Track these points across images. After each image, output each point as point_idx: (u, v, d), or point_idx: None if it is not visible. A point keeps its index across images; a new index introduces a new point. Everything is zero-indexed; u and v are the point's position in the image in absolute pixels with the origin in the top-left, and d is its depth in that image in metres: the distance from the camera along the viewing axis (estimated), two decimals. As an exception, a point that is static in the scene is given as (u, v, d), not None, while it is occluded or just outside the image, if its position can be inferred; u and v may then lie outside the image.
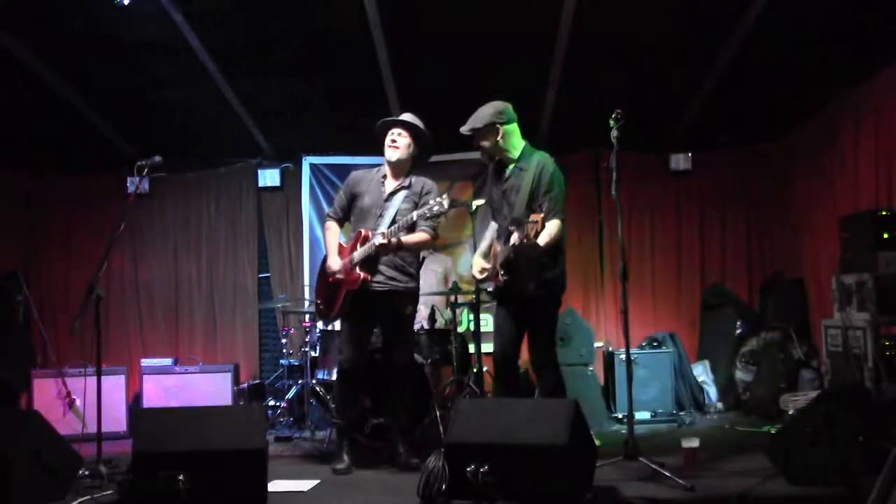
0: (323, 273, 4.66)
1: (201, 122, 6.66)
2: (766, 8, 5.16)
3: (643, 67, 5.99)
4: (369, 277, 4.42)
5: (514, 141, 4.44)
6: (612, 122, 4.07)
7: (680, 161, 7.13)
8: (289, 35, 5.69)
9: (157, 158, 4.62)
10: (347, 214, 4.70)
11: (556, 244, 4.20)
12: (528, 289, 4.20)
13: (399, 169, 4.62)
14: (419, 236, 4.46)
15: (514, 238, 3.98)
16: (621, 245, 4.20)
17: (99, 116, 6.53)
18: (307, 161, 7.29)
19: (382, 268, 4.48)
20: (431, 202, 4.30)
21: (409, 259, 4.59)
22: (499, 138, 4.39)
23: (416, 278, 4.66)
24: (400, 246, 4.38)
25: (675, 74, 6.12)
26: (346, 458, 4.45)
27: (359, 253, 4.42)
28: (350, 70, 6.07)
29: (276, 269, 7.22)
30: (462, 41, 5.76)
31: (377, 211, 4.53)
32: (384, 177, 4.64)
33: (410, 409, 4.90)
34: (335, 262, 4.52)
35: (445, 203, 4.28)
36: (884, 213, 5.18)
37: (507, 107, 4.42)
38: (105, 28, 5.39)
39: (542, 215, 3.88)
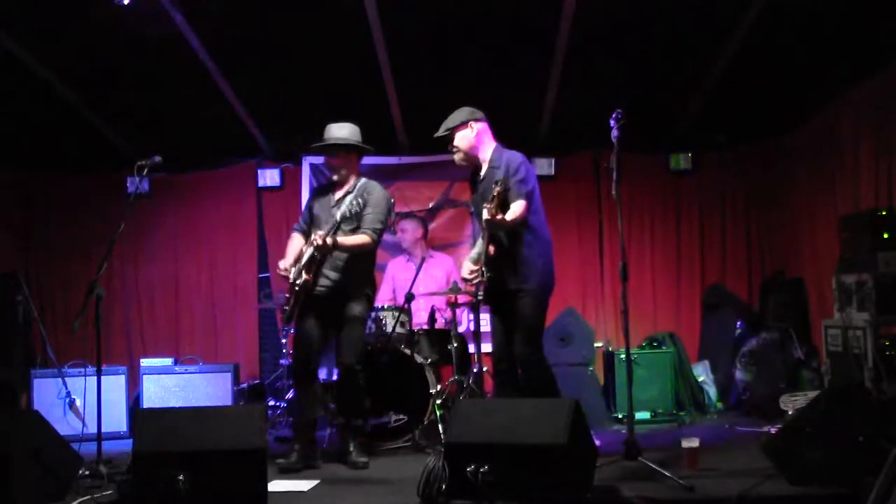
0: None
1: (201, 121, 6.65)
2: (766, 8, 5.16)
3: (643, 67, 5.99)
4: (310, 279, 4.55)
5: (487, 141, 4.54)
6: (612, 122, 4.08)
7: (680, 161, 7.13)
8: (289, 35, 5.69)
9: (157, 158, 4.62)
10: (310, 226, 4.85)
11: (532, 235, 4.29)
12: (508, 285, 4.30)
13: (344, 180, 4.79)
14: (357, 238, 4.60)
15: (485, 213, 4.08)
16: (621, 245, 4.20)
17: (99, 116, 6.53)
18: (307, 161, 7.28)
19: (325, 271, 4.62)
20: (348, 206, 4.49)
21: (353, 260, 4.68)
22: (473, 136, 4.49)
23: (363, 279, 4.76)
24: (336, 246, 4.49)
25: (675, 74, 6.12)
26: (294, 455, 4.53)
27: (305, 256, 4.57)
28: (350, 70, 6.07)
29: (276, 268, 7.20)
30: (462, 41, 5.77)
31: (327, 217, 4.69)
32: (334, 186, 4.83)
33: (408, 408, 4.95)
34: (283, 263, 4.71)
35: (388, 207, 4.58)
36: (884, 213, 5.18)
37: (475, 109, 4.56)
38: (105, 28, 5.39)
39: (498, 188, 4.02)
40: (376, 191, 4.77)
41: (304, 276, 4.53)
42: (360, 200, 4.60)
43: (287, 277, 4.65)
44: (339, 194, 4.77)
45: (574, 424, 3.46)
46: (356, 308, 4.70)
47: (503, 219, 4.13)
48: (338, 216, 4.57)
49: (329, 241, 4.45)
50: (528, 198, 4.29)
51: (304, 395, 4.73)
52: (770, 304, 6.66)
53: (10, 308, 5.86)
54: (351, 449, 4.63)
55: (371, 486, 4.11)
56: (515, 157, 4.44)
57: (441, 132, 4.58)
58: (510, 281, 4.32)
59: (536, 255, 4.33)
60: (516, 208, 4.22)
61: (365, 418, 4.85)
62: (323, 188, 4.98)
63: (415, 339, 5.47)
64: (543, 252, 4.37)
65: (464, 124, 4.51)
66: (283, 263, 4.71)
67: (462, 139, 4.53)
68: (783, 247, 7.03)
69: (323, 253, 4.52)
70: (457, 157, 4.59)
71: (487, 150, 4.54)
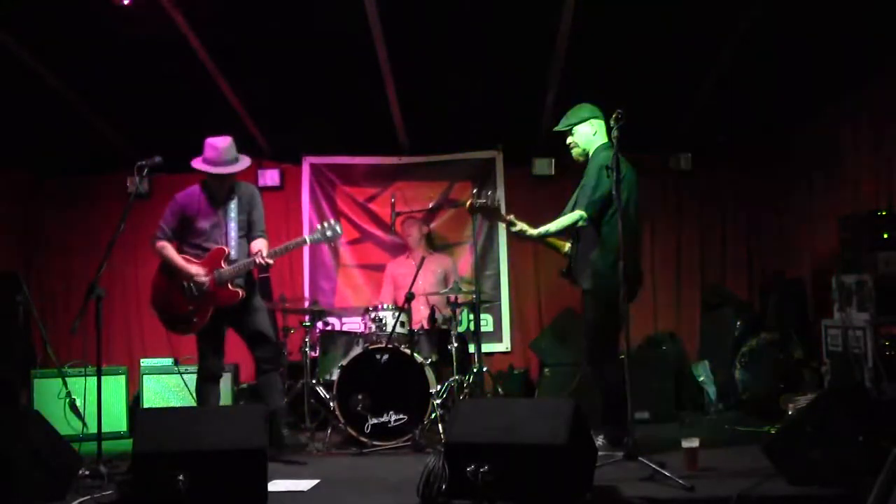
0: (175, 288, 4.81)
1: (201, 121, 6.63)
2: (766, 8, 5.16)
3: (643, 67, 5.99)
4: (241, 293, 4.77)
5: (598, 139, 4.63)
6: (612, 122, 4.09)
7: (680, 161, 7.13)
8: (289, 35, 5.69)
9: (157, 158, 4.62)
10: (176, 237, 4.93)
11: (601, 238, 4.45)
12: (578, 282, 4.57)
13: (227, 183, 4.89)
14: (263, 243, 4.89)
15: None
16: (621, 245, 4.20)
17: (99, 116, 6.53)
18: (307, 161, 7.29)
19: (236, 280, 4.82)
20: (325, 227, 4.79)
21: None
22: (592, 133, 4.60)
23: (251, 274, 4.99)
24: (273, 252, 4.80)
25: (675, 74, 6.12)
26: None
27: (229, 271, 4.73)
28: (350, 70, 6.07)
29: (276, 269, 7.20)
30: (462, 41, 5.77)
31: (218, 229, 4.84)
32: (208, 193, 4.90)
33: (408, 408, 5.01)
34: (199, 271, 4.76)
35: (338, 229, 4.83)
36: (884, 213, 5.19)
37: (594, 106, 4.65)
38: (105, 28, 5.39)
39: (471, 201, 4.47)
40: (256, 191, 5.04)
41: (236, 289, 4.74)
42: (246, 204, 4.88)
43: (207, 285, 4.73)
44: (219, 202, 4.87)
45: (574, 424, 3.46)
46: (255, 299, 4.93)
47: (521, 230, 4.49)
48: (233, 224, 4.82)
49: (271, 261, 4.75)
50: (591, 208, 4.42)
51: (216, 394, 4.90)
52: (770, 303, 6.66)
53: (10, 308, 5.85)
54: (284, 433, 4.86)
55: (371, 486, 4.10)
56: (595, 160, 4.51)
57: (562, 127, 4.67)
58: (578, 280, 4.56)
59: (601, 259, 4.43)
60: (561, 220, 4.49)
61: (283, 401, 5.09)
62: (195, 197, 4.92)
63: (415, 339, 5.47)
64: (608, 257, 4.40)
65: (585, 121, 4.60)
66: (202, 275, 4.74)
67: (582, 136, 4.63)
68: (783, 247, 7.03)
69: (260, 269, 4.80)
70: (574, 151, 4.70)
71: (593, 147, 4.63)
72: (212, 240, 4.83)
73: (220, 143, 4.80)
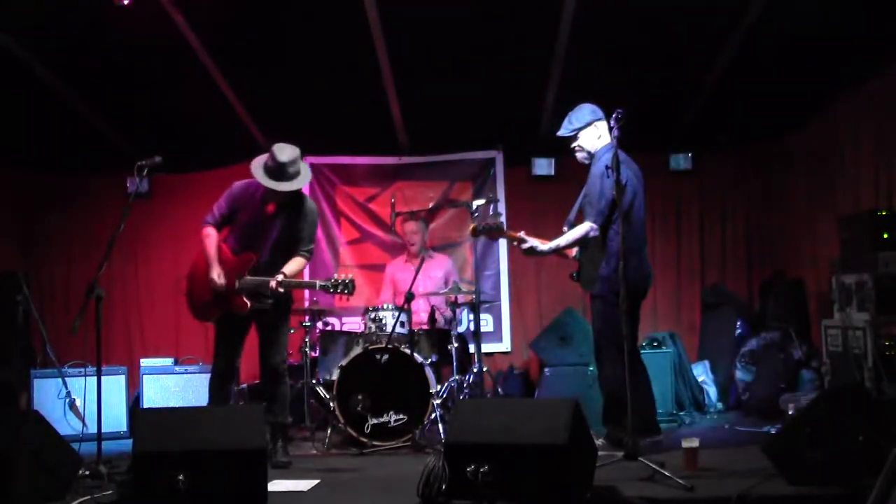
0: (202, 278, 4.69)
1: (201, 121, 6.66)
2: (766, 8, 5.16)
3: (643, 67, 5.99)
4: (249, 306, 4.60)
5: (602, 140, 4.60)
6: (612, 122, 4.09)
7: (680, 161, 7.12)
8: (289, 35, 5.70)
9: (157, 158, 4.61)
10: (226, 223, 4.80)
11: (606, 244, 4.49)
12: (585, 286, 4.63)
13: (283, 196, 4.66)
14: (299, 266, 4.70)
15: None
16: (621, 245, 4.21)
17: (99, 116, 6.53)
18: (307, 161, 7.26)
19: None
20: (338, 281, 4.52)
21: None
22: (597, 137, 4.56)
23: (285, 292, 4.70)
24: (282, 284, 4.54)
25: (675, 74, 6.12)
26: None
27: (245, 282, 4.58)
28: (350, 70, 6.07)
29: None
30: (462, 41, 5.77)
31: (258, 232, 4.67)
32: (264, 196, 4.68)
33: (408, 408, 4.99)
34: (218, 274, 4.60)
35: (351, 287, 4.54)
36: (883, 213, 5.19)
37: (596, 107, 4.61)
38: (105, 28, 5.39)
39: (473, 224, 4.53)
40: (314, 212, 4.82)
41: (246, 301, 4.57)
42: (297, 218, 4.67)
43: (221, 285, 4.59)
44: (271, 208, 4.67)
45: (574, 424, 3.46)
46: (282, 315, 4.79)
47: (531, 247, 4.50)
48: (273, 234, 4.63)
49: (281, 290, 4.53)
50: (599, 218, 4.46)
51: (225, 395, 4.81)
52: (770, 304, 6.66)
53: (10, 308, 5.85)
54: (277, 448, 4.66)
55: (371, 485, 4.11)
56: (597, 168, 4.49)
57: (566, 132, 4.62)
58: (586, 285, 4.60)
59: (606, 264, 4.47)
60: (570, 233, 4.51)
61: (288, 419, 4.87)
62: (251, 191, 4.75)
63: (415, 339, 5.46)
64: (612, 261, 4.42)
65: (590, 125, 4.57)
66: (219, 278, 4.59)
67: (587, 141, 4.60)
68: (783, 247, 7.03)
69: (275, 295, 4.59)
70: (579, 155, 4.68)
71: (596, 149, 4.61)
72: (248, 238, 4.67)
73: (284, 156, 4.54)
